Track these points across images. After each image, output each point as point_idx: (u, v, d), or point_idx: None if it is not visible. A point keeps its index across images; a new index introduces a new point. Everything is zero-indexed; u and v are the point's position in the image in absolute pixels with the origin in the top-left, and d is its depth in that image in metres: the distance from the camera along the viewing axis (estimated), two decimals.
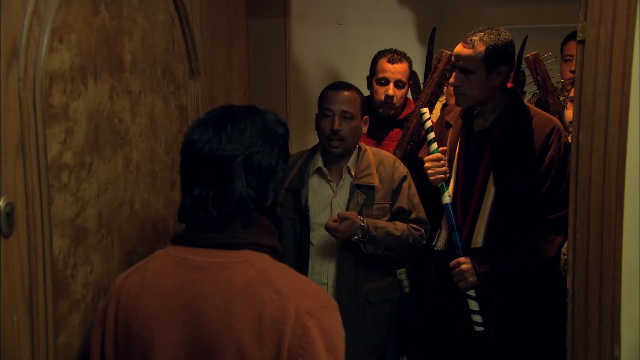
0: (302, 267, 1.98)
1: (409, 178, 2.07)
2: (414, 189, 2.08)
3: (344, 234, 1.88)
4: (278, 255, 1.15)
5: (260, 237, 1.11)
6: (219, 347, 1.02)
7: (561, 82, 2.74)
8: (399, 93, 2.46)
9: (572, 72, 2.64)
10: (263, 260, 1.09)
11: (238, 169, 1.08)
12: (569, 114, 2.24)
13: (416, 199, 2.07)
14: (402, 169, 2.08)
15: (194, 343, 1.04)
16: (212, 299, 1.04)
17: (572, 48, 2.73)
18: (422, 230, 2.04)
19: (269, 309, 1.01)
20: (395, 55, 2.47)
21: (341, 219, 1.88)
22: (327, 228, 1.88)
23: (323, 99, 2.03)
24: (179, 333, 1.05)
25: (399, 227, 1.98)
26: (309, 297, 1.05)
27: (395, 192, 2.03)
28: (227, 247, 1.09)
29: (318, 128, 2.04)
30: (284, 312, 1.01)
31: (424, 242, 2.04)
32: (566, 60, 2.76)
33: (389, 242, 1.94)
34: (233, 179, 1.08)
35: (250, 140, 1.10)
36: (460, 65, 1.96)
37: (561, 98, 2.57)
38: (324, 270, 1.99)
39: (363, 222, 1.90)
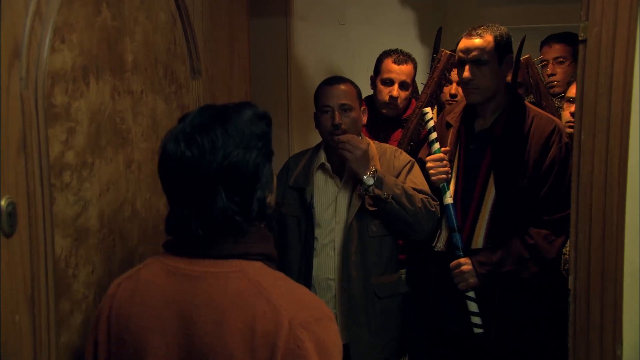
0: (307, 264, 1.97)
1: (410, 166, 2.03)
2: (416, 173, 2.02)
3: (358, 156, 1.88)
4: (274, 261, 1.11)
5: (252, 247, 1.07)
6: None
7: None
8: (403, 94, 2.45)
9: (549, 76, 2.67)
10: (257, 269, 1.05)
11: (216, 184, 1.01)
12: (565, 114, 2.23)
13: (418, 180, 2.00)
14: (404, 157, 2.05)
15: (186, 355, 1.02)
16: (204, 311, 1.02)
17: (545, 53, 2.74)
18: (435, 204, 1.97)
19: (262, 322, 0.98)
20: (401, 56, 2.46)
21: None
22: (345, 141, 1.89)
23: (319, 95, 2.01)
24: (170, 344, 1.03)
25: (412, 190, 1.93)
26: (304, 309, 1.01)
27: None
28: (218, 257, 1.06)
29: (318, 126, 2.03)
30: (277, 325, 0.97)
31: (439, 215, 1.98)
32: (544, 66, 2.75)
33: (398, 192, 1.88)
34: (212, 196, 1.02)
35: (224, 152, 1.01)
36: (473, 57, 1.96)
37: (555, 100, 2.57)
38: (330, 267, 1.98)
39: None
